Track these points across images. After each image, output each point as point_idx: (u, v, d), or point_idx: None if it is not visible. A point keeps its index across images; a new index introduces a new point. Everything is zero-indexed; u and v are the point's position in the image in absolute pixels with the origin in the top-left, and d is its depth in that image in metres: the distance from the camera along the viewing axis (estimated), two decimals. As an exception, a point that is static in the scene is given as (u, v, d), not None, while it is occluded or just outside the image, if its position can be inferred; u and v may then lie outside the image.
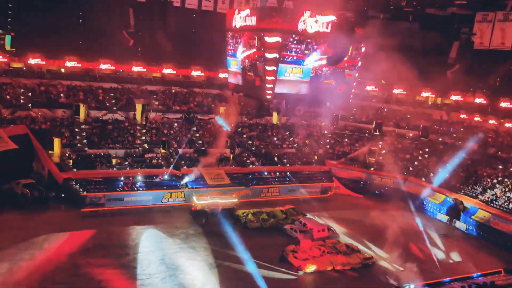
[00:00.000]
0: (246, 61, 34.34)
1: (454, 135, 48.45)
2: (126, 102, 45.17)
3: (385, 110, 53.82)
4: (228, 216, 33.70)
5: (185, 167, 39.62)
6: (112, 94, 45.46)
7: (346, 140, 50.61)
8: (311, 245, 29.13)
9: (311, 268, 26.72)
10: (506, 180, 39.84)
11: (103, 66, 47.02)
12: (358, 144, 49.46)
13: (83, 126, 40.84)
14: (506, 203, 36.70)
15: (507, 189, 38.53)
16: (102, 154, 38.83)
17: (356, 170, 45.87)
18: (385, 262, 29.10)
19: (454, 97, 52.24)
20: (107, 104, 44.28)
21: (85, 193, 33.73)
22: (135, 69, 49.10)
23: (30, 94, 41.32)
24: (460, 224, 37.71)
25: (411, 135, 50.15)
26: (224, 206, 34.80)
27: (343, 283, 26.17)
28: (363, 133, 50.87)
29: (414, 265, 28.62)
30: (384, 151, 47.88)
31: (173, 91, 49.38)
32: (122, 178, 36.20)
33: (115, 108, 44.17)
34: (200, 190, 37.67)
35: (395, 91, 54.72)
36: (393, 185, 44.15)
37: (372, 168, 46.05)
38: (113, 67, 47.86)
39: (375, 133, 50.07)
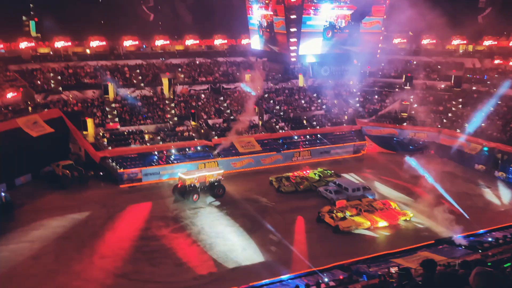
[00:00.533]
0: (265, 22, 33.82)
1: (488, 82, 46.67)
2: (152, 78, 45.56)
3: (414, 62, 52.16)
4: (214, 188, 32.20)
5: (216, 137, 40.02)
6: (138, 71, 45.87)
7: (376, 96, 49.62)
8: (347, 204, 29.21)
9: (347, 227, 26.88)
10: (546, 124, 38.42)
11: (127, 43, 47.34)
12: (389, 100, 48.41)
13: (113, 105, 41.59)
14: (547, 148, 35.51)
15: (547, 134, 37.20)
16: (134, 130, 39.63)
17: (388, 127, 45.09)
18: (423, 217, 28.93)
19: (487, 43, 50.08)
20: (134, 81, 44.79)
21: (122, 169, 34.72)
22: (158, 43, 49.20)
23: (59, 77, 42.21)
24: (499, 173, 36.86)
25: (443, 86, 48.65)
26: (211, 179, 32.39)
27: (380, 239, 26.28)
28: (393, 88, 49.68)
29: (454, 217, 28.36)
30: (415, 105, 46.77)
31: (197, 62, 49.35)
32: (156, 153, 36.97)
33: (142, 84, 44.65)
34: (232, 158, 38.14)
35: (424, 41, 52.81)
36: (427, 139, 43.31)
37: (404, 124, 45.18)
38: (136, 43, 48.07)
39: (405, 87, 48.88)
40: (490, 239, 23.60)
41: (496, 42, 49.27)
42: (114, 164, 35.36)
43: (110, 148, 36.88)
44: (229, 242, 25.55)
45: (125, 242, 25.29)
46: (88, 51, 46.95)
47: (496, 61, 48.13)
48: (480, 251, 21.39)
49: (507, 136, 38.73)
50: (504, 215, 29.05)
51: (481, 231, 25.72)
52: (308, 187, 33.74)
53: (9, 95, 36.68)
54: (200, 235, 26.42)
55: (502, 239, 22.93)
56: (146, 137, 39.29)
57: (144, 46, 49.30)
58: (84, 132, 38.11)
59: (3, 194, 28.73)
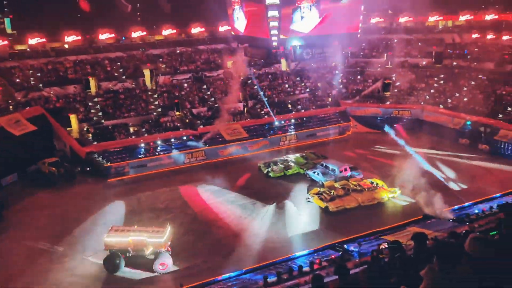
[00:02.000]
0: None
1: (468, 57, 47.23)
2: (133, 70, 45.04)
3: (395, 41, 52.45)
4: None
5: (202, 126, 39.91)
6: (118, 63, 45.29)
7: (359, 77, 49.87)
8: (335, 185, 29.51)
9: (337, 207, 27.21)
10: (526, 95, 39.14)
11: (104, 36, 46.57)
12: (371, 79, 48.71)
13: (96, 99, 41.11)
14: (527, 119, 36.25)
15: (527, 105, 37.93)
16: (119, 124, 39.29)
17: (372, 107, 45.43)
18: (410, 193, 29.37)
19: (463, 17, 50.45)
20: (116, 74, 44.25)
21: (109, 164, 34.52)
22: (136, 34, 48.48)
23: (39, 74, 41.48)
24: (482, 146, 37.52)
25: (424, 63, 49.06)
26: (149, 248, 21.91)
27: (370, 217, 26.67)
28: (375, 68, 49.95)
29: (440, 192, 28.89)
30: (398, 83, 47.16)
31: (178, 51, 48.88)
32: (142, 145, 36.79)
33: (124, 77, 44.15)
34: (220, 146, 38.19)
35: (402, 19, 52.97)
36: (411, 116, 43.80)
37: (388, 102, 45.57)
38: (113, 35, 47.33)
39: (387, 66, 49.15)
40: (476, 211, 24.20)
41: (473, 17, 49.69)
42: (100, 158, 35.11)
43: (95, 143, 36.57)
44: (221, 230, 25.72)
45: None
46: (66, 46, 46.14)
47: (475, 35, 48.64)
48: (467, 223, 21.92)
49: (488, 110, 39.36)
50: (488, 187, 29.65)
51: (467, 203, 26.31)
52: (296, 170, 33.98)
53: (-12, 94, 36.00)
54: (192, 224, 26.52)
55: (488, 210, 23.52)
56: (131, 129, 39.01)
57: (123, 38, 48.60)
58: (68, 128, 37.66)
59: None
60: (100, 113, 39.89)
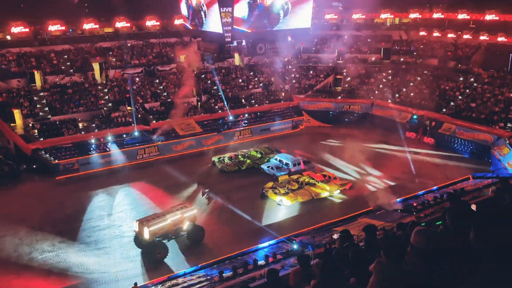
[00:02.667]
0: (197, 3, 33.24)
1: (414, 53, 49.13)
2: (82, 63, 43.47)
3: (346, 37, 53.63)
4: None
5: (154, 121, 39.20)
6: (66, 57, 43.54)
7: (311, 72, 50.65)
8: (289, 179, 29.93)
9: (291, 201, 27.60)
10: (467, 90, 41.21)
11: (52, 28, 44.54)
12: (323, 74, 49.63)
13: (42, 94, 39.36)
14: (469, 113, 38.20)
15: (469, 99, 39.96)
16: (67, 119, 37.85)
17: (323, 101, 46.34)
18: (361, 185, 30.29)
19: (412, 15, 52.38)
20: (63, 68, 42.54)
21: (56, 161, 33.22)
22: (86, 26, 46.73)
23: (-22, 67, 39.21)
24: (428, 139, 39.22)
25: (373, 59, 50.56)
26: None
27: (323, 210, 27.25)
28: (327, 63, 50.91)
29: (389, 183, 30.01)
30: (349, 78, 48.34)
31: (129, 45, 47.62)
32: (93, 141, 35.66)
33: (71, 70, 42.51)
34: (173, 142, 37.68)
35: (354, 16, 54.27)
36: (361, 111, 45.07)
37: (339, 97, 46.63)
38: (62, 28, 45.38)
39: (338, 61, 50.22)
40: (422, 201, 25.29)
41: (420, 15, 51.67)
42: (47, 155, 33.72)
43: (42, 139, 35.07)
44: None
45: (66, 235, 24.39)
46: (8, 37, 43.80)
47: (421, 33, 50.63)
48: (414, 213, 22.87)
49: (434, 104, 41.16)
50: (433, 178, 31.06)
51: (413, 194, 27.45)
52: (250, 165, 34.12)
53: None
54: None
55: (433, 200, 24.64)
56: (80, 125, 37.70)
57: (70, 30, 46.70)
58: (12, 124, 35.85)
59: None
60: (46, 108, 38.25)
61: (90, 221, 26.07)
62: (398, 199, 26.26)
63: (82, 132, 36.78)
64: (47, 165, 33.38)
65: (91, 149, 35.11)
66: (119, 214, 26.98)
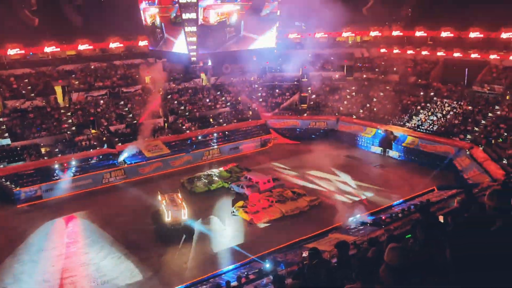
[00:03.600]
0: (163, 24, 33.29)
1: (376, 70, 50.56)
2: (44, 87, 42.40)
3: (310, 55, 54.65)
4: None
5: (120, 144, 38.50)
6: (26, 80, 42.40)
7: (277, 90, 51.19)
8: (259, 197, 29.88)
9: (262, 219, 27.50)
10: (428, 105, 42.61)
11: (11, 51, 43.29)
12: (289, 93, 50.27)
13: (1, 119, 38.07)
14: (431, 126, 39.44)
15: (430, 113, 41.30)
16: (28, 145, 36.63)
17: (290, 119, 46.91)
18: (331, 200, 30.54)
19: (373, 33, 54.00)
20: (23, 92, 41.34)
21: (18, 188, 31.98)
22: (48, 49, 45.59)
23: None
24: (393, 153, 40.13)
25: (337, 76, 51.67)
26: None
27: (294, 226, 27.25)
28: (292, 82, 51.64)
29: (357, 198, 30.40)
30: (314, 96, 49.16)
31: (92, 67, 46.91)
32: (56, 166, 34.60)
33: (32, 94, 41.37)
34: (140, 164, 37.03)
35: (317, 35, 55.41)
36: (327, 127, 45.78)
37: (305, 114, 47.26)
38: (22, 51, 44.18)
39: (303, 79, 51.04)
40: (390, 214, 25.70)
41: (380, 33, 53.35)
42: (8, 183, 32.42)
43: (1, 166, 33.75)
44: (143, 252, 24.79)
45: (28, 265, 23.38)
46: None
47: (382, 50, 52.22)
48: (383, 226, 23.18)
49: (396, 118, 42.31)
50: (399, 191, 31.70)
51: (382, 208, 27.89)
52: (220, 185, 33.86)
53: None
54: (113, 246, 25.31)
55: (401, 213, 25.09)
56: (43, 150, 36.55)
57: (31, 53, 45.56)
58: (-31, 152, 34.43)
59: None
60: (6, 134, 36.96)
61: (54, 250, 25.12)
62: (367, 213, 26.59)
63: (45, 158, 35.67)
64: (8, 193, 32.07)
65: (55, 174, 34.04)
66: (86, 241, 26.10)
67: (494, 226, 3.23)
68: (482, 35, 43.47)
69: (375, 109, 44.61)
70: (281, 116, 47.33)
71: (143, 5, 34.58)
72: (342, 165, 37.07)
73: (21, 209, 31.26)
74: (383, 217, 25.05)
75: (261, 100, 49.93)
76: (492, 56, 42.37)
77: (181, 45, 37.12)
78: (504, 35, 41.48)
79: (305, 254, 18.37)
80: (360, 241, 19.25)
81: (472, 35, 43.78)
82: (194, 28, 30.72)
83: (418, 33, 48.80)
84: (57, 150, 36.67)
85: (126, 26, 46.94)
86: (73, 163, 35.30)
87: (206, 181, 33.91)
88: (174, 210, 25.41)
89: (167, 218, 25.34)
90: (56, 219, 29.30)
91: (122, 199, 32.40)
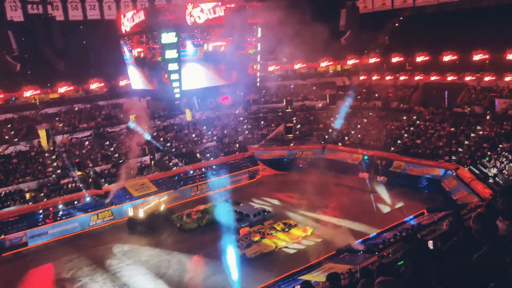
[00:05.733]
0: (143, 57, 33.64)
1: (358, 97, 51.36)
2: (27, 131, 42.05)
3: (292, 86, 55.44)
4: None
5: (106, 185, 38.03)
6: (9, 126, 42.06)
7: (262, 122, 51.54)
8: (250, 230, 29.53)
9: (254, 253, 27.10)
10: (411, 128, 43.20)
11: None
12: (274, 124, 50.63)
13: (-16, 166, 37.46)
14: (416, 150, 39.84)
15: (414, 136, 41.83)
16: (12, 191, 35.95)
17: (277, 150, 47.05)
18: (324, 229, 30.28)
19: (351, 62, 55.12)
20: (6, 137, 40.91)
21: (2, 235, 31.15)
22: (28, 94, 45.32)
23: None
24: (380, 178, 40.25)
25: (320, 105, 52.33)
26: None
27: (287, 259, 26.88)
28: (277, 113, 52.10)
29: (349, 225, 30.23)
30: (299, 125, 49.57)
31: (76, 109, 46.83)
32: (41, 211, 33.90)
33: (16, 139, 40.96)
34: (128, 203, 36.48)
35: (296, 66, 56.32)
36: (314, 156, 45.96)
37: (291, 144, 47.49)
38: (1, 96, 43.97)
39: (287, 110, 51.56)
40: (382, 240, 25.53)
41: (358, 61, 54.51)
42: (-8, 231, 31.60)
43: (-15, 214, 32.98)
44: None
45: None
46: None
47: (362, 77, 53.23)
48: (376, 253, 22.99)
49: (382, 143, 42.71)
50: (390, 216, 31.67)
51: (374, 234, 27.73)
52: (210, 220, 33.45)
53: None
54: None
55: (393, 238, 24.95)
56: (27, 195, 35.86)
57: (13, 98, 45.37)
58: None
59: None
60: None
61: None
62: (359, 240, 26.41)
63: (30, 203, 34.97)
64: (-8, 242, 31.22)
65: (40, 219, 33.31)
66: (72, 287, 25.35)
67: (481, 251, 3.22)
68: (455, 58, 44.66)
69: (359, 135, 45.05)
70: (268, 147, 47.48)
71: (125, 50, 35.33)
72: (331, 192, 37.00)
73: (6, 257, 30.34)
74: (376, 244, 24.86)
75: (247, 132, 50.14)
76: (467, 78, 43.44)
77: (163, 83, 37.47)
78: (476, 57, 42.66)
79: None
80: (354, 269, 19.05)
81: (446, 58, 44.96)
82: (175, 66, 31.06)
83: (395, 59, 49.94)
84: (42, 194, 36.05)
85: (106, 67, 47.08)
86: (59, 206, 34.65)
87: (195, 217, 33.50)
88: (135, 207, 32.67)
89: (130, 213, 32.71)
90: (42, 266, 28.48)
91: (112, 241, 31.72)
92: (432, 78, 46.20)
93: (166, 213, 34.86)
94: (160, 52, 31.20)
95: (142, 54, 34.16)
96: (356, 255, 24.35)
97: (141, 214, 32.51)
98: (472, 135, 38.62)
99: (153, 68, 33.87)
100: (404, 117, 45.20)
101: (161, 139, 46.21)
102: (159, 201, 34.73)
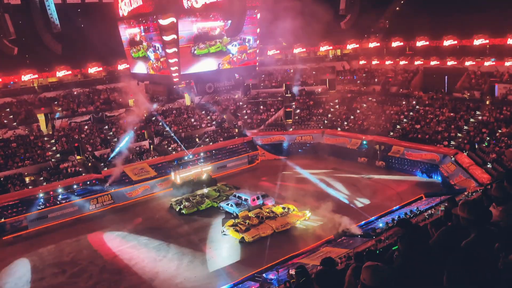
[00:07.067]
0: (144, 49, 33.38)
1: (358, 81, 51.15)
2: (26, 115, 41.98)
3: (292, 71, 55.14)
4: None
5: (106, 169, 38.14)
6: (7, 110, 41.96)
7: (262, 107, 51.43)
8: (249, 215, 29.70)
9: (253, 237, 27.31)
10: (411, 113, 43.14)
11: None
12: (273, 108, 50.52)
13: (-17, 150, 37.50)
14: (415, 135, 39.84)
15: (413, 121, 41.79)
16: (12, 175, 36.05)
17: (276, 134, 47.06)
18: (321, 213, 30.46)
19: (350, 46, 54.70)
20: (5, 121, 40.85)
21: (2, 219, 31.35)
22: (27, 78, 45.08)
23: None
24: (379, 163, 40.35)
25: (319, 90, 52.13)
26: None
27: (285, 243, 27.11)
28: (276, 98, 51.96)
29: (347, 210, 30.41)
30: (298, 110, 49.48)
31: (75, 93, 46.65)
32: (41, 195, 34.05)
33: (14, 123, 40.91)
34: (127, 188, 36.66)
35: (296, 50, 55.90)
36: (313, 140, 46.00)
37: (290, 129, 47.48)
38: (0, 80, 43.72)
39: (286, 95, 51.40)
40: (380, 224, 25.74)
41: (358, 46, 54.11)
42: (-8, 215, 31.80)
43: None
44: (135, 277, 24.43)
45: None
46: None
47: (362, 62, 52.92)
48: (374, 237, 23.19)
49: (381, 128, 42.67)
50: (388, 201, 31.85)
51: (372, 218, 27.93)
52: (209, 205, 33.65)
53: None
54: (102, 274, 24.88)
55: (391, 222, 25.14)
56: (27, 179, 35.99)
57: (11, 82, 45.15)
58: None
59: None
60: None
61: (42, 281, 24.57)
62: (358, 224, 26.61)
63: (30, 187, 35.11)
64: (-7, 225, 31.44)
65: (40, 203, 33.48)
66: (73, 270, 25.61)
67: (468, 239, 3.26)
68: (456, 42, 44.38)
69: (359, 120, 45.00)
70: (267, 132, 47.47)
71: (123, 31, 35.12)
72: (330, 176, 37.14)
73: (6, 240, 30.60)
74: (374, 228, 25.08)
75: (246, 117, 50.07)
76: (467, 63, 43.21)
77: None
78: (476, 42, 42.41)
79: (292, 272, 18.24)
80: (352, 253, 19.24)
81: (446, 43, 44.66)
82: (174, 49, 30.81)
83: (395, 44, 49.59)
84: (41, 178, 36.17)
85: (106, 51, 46.63)
86: (59, 191, 34.80)
87: (194, 201, 33.69)
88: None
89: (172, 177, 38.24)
90: (42, 249, 28.73)
91: (111, 225, 31.95)
92: (432, 62, 45.95)
93: (208, 181, 37.93)
94: (158, 36, 30.95)
95: (138, 38, 33.81)
96: (354, 239, 24.56)
97: (178, 180, 36.87)
98: (472, 120, 38.60)
99: (151, 51, 33.68)
100: (404, 102, 45.08)
101: (160, 123, 46.16)
102: (201, 171, 38.38)
